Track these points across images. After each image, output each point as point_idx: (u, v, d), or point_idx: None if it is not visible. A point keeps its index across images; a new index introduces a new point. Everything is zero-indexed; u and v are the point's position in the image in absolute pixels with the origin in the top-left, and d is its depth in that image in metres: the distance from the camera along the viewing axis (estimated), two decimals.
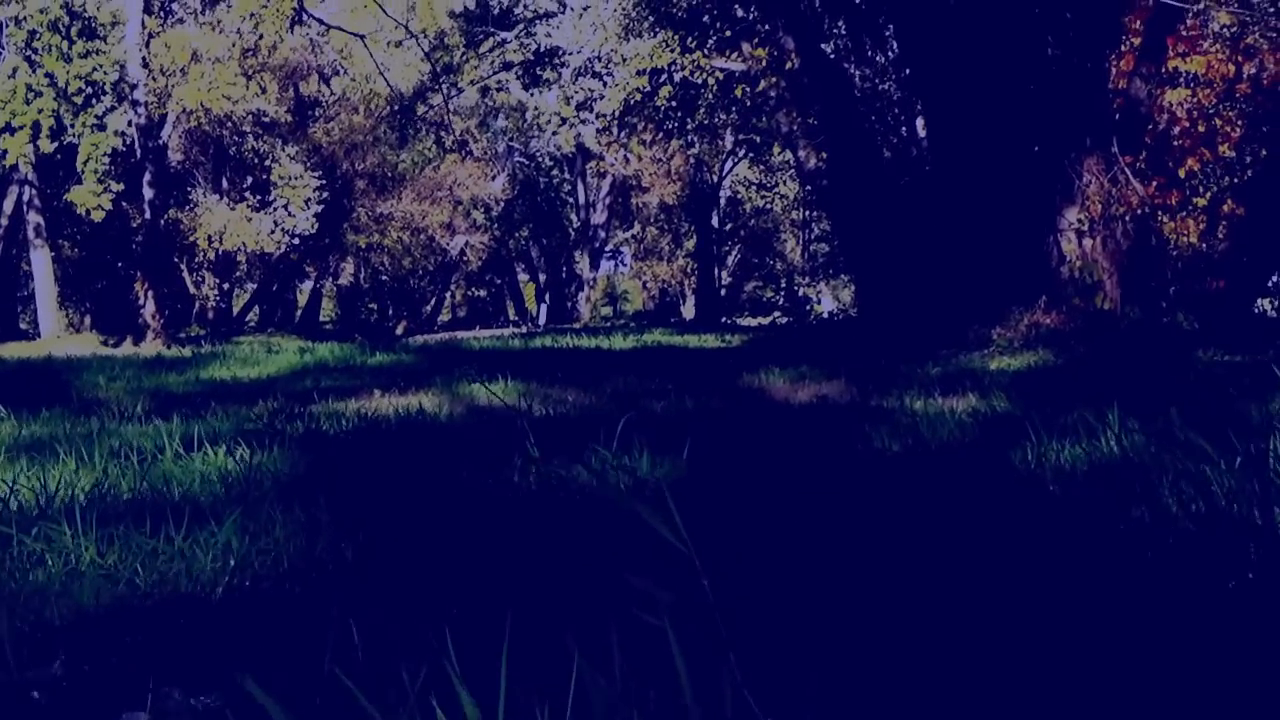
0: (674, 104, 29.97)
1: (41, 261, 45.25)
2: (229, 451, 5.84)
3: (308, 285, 63.72)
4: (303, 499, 4.41)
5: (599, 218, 67.06)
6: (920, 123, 27.89)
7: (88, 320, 53.71)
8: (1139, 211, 18.23)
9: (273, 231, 43.07)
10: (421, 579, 3.45)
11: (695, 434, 6.19)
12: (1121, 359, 13.31)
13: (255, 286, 59.58)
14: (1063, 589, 3.16)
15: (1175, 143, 22.04)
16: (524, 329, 50.19)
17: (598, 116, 32.16)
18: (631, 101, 29.90)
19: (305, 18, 44.87)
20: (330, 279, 58.39)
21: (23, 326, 59.87)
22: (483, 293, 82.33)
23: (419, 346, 22.76)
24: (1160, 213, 19.91)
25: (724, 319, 55.69)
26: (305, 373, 15.24)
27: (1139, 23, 20.93)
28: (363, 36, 47.05)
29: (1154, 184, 19.57)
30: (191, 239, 42.50)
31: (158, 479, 5.14)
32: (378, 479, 5.14)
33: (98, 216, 38.97)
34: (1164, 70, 20.40)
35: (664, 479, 4.88)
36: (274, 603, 3.27)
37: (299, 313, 65.08)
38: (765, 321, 44.08)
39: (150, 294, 40.15)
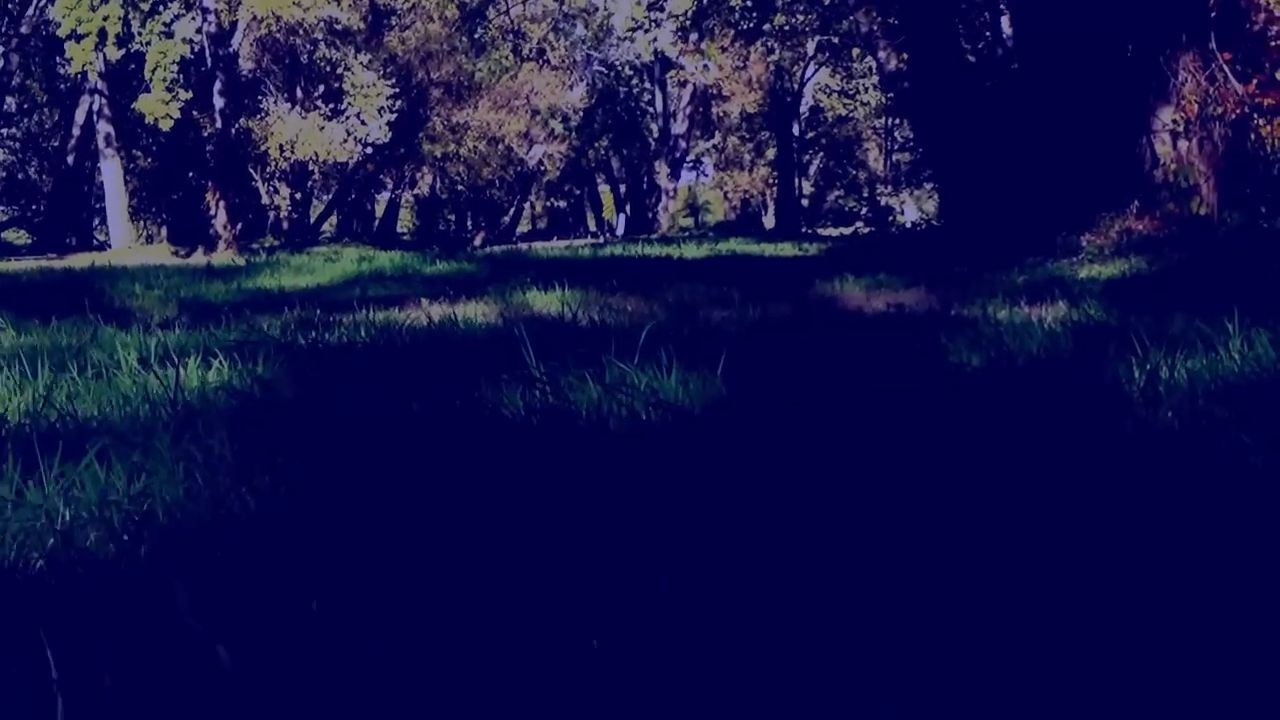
0: (749, 4, 29.01)
1: (112, 171, 44.74)
2: (204, 365, 5.09)
3: (385, 196, 63.30)
4: (245, 427, 3.65)
5: (680, 127, 66.14)
6: (1006, 21, 26.94)
7: (163, 231, 53.44)
8: (1238, 112, 17.28)
9: (345, 141, 42.44)
10: (300, 549, 2.67)
11: (751, 346, 5.47)
12: (1222, 267, 12.46)
13: (330, 197, 59.21)
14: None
15: (1272, 43, 20.99)
16: (602, 240, 49.52)
17: (670, 17, 31.16)
18: (704, 1, 28.91)
19: None
20: (407, 189, 57.75)
21: (100, 238, 59.77)
22: (562, 204, 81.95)
23: (484, 256, 22.22)
24: (1256, 115, 18.92)
25: (805, 229, 54.94)
26: (357, 282, 14.70)
27: None
28: None
29: (1254, 82, 18.55)
30: (263, 148, 41.90)
31: (90, 399, 4.40)
32: (351, 402, 4.37)
33: (166, 125, 38.54)
34: None
35: (694, 403, 4.06)
36: (101, 575, 2.51)
37: (376, 224, 64.65)
38: (847, 232, 43.22)
39: (221, 204, 39.74)
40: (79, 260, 31.02)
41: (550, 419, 3.77)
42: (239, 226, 40.74)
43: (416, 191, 58.91)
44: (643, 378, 4.29)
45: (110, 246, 45.54)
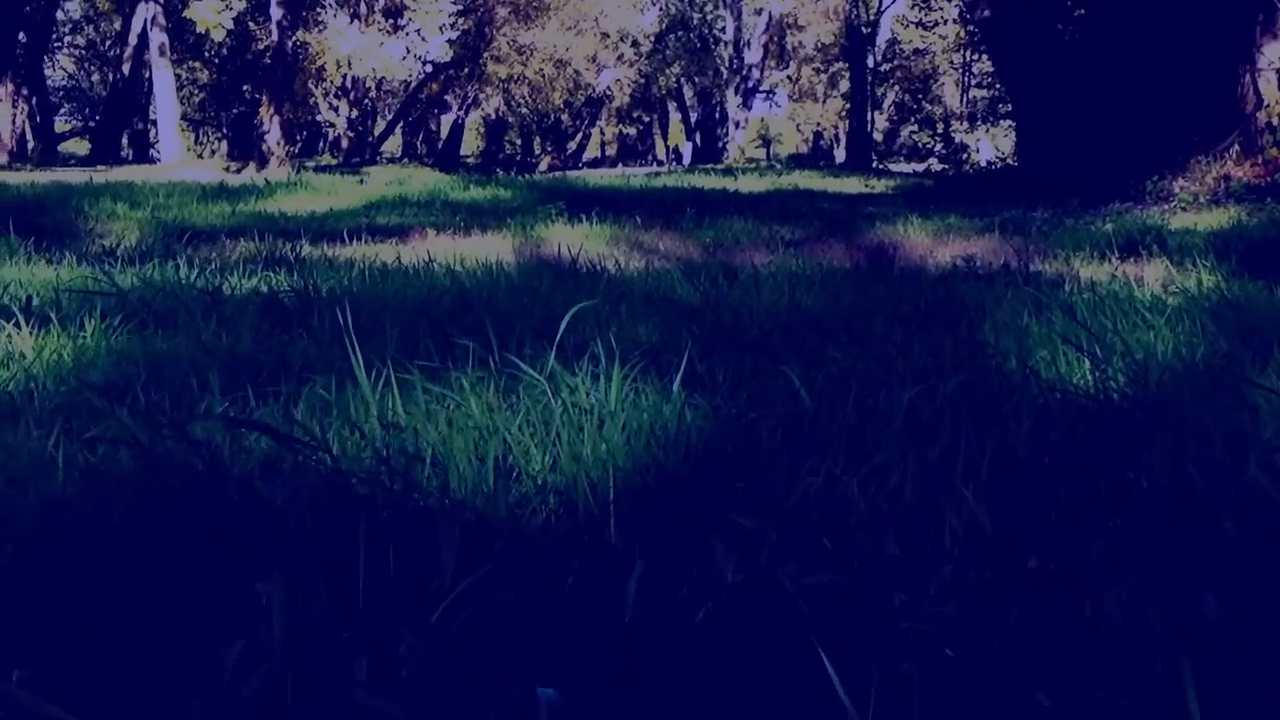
0: None
1: (165, 82, 43.60)
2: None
3: (450, 117, 62.49)
4: None
5: (753, 56, 64.94)
6: None
7: (223, 146, 52.77)
8: None
9: (404, 58, 41.36)
10: None
11: (767, 323, 4.22)
12: None
13: (391, 116, 58.40)
14: None
15: None
16: (666, 168, 48.44)
17: None
18: None
19: None
20: (474, 109, 56.75)
21: (157, 152, 59.05)
22: (631, 131, 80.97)
23: (526, 182, 21.16)
24: None
25: (877, 164, 53.80)
26: (371, 208, 13.67)
27: None
28: None
29: None
30: (320, 63, 40.90)
31: None
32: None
33: (218, 35, 37.63)
34: None
35: (602, 473, 2.62)
36: None
37: (440, 145, 63.80)
38: (919, 168, 42.03)
39: (275, 119, 38.74)
40: (122, 173, 30.14)
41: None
42: (297, 144, 39.76)
43: (483, 113, 57.97)
44: (574, 378, 2.91)
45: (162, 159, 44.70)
